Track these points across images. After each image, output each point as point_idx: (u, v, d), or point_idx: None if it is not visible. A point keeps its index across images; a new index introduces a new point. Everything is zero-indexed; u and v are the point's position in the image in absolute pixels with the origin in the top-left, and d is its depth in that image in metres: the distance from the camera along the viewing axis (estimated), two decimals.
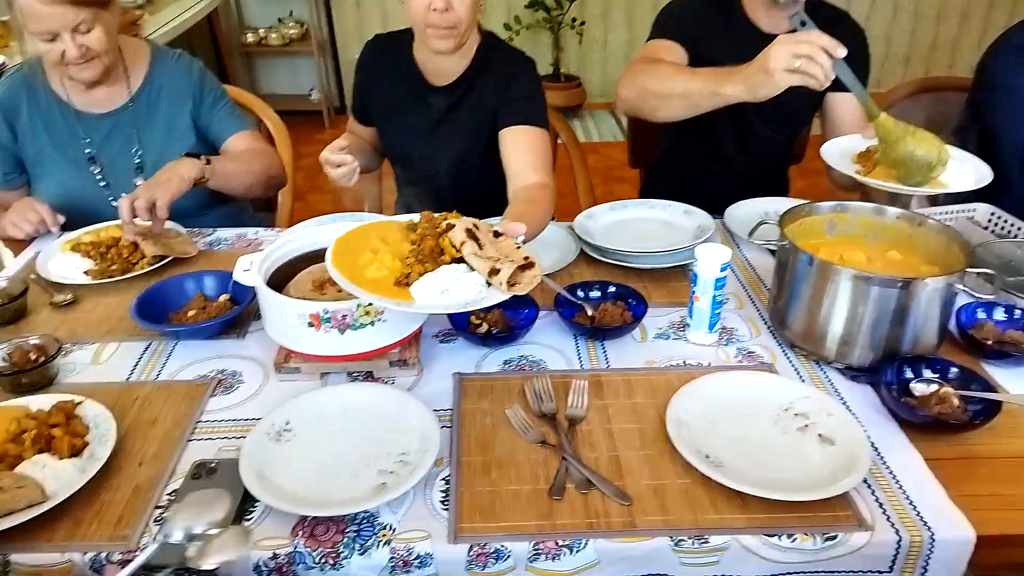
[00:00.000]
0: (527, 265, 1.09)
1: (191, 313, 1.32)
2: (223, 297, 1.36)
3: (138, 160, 1.73)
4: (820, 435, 1.05)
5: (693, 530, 0.93)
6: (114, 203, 1.72)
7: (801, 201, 1.39)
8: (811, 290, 1.17)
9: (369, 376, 1.22)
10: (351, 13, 4.90)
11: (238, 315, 1.32)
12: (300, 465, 1.01)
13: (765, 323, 1.34)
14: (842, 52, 1.27)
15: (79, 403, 1.11)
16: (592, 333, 1.28)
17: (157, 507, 0.97)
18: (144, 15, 3.46)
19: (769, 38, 1.35)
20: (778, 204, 1.69)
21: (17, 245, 1.62)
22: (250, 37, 4.79)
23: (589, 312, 1.26)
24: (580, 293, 1.34)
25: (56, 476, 0.99)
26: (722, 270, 1.21)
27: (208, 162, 1.61)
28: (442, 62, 1.65)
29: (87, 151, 1.71)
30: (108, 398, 1.15)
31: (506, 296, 1.05)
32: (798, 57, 1.27)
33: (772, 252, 1.50)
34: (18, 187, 1.75)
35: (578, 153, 2.13)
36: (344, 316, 1.11)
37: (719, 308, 1.25)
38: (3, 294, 1.38)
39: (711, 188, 1.76)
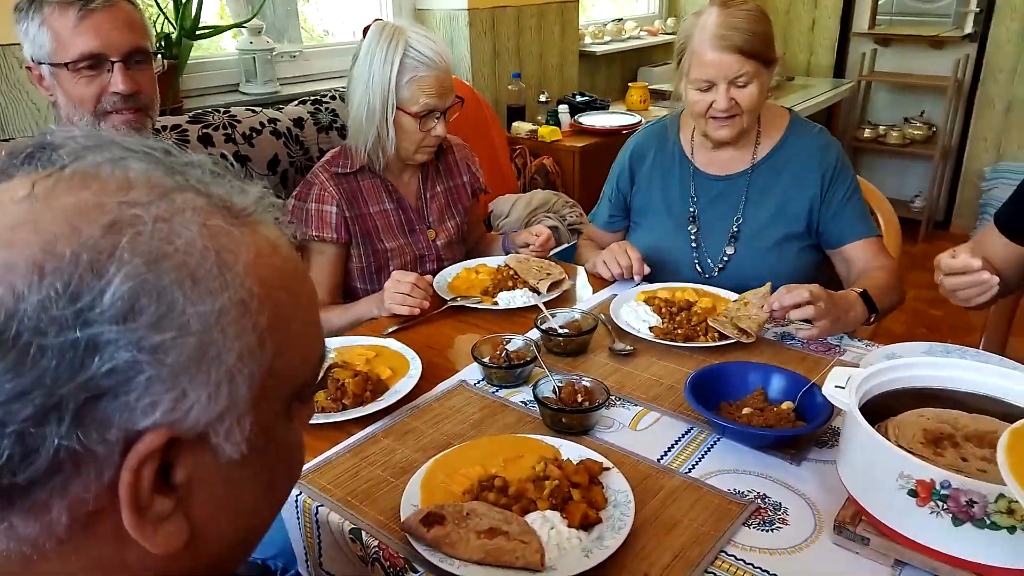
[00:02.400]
0: None
1: (746, 411, 1.10)
2: (787, 405, 1.11)
3: (735, 229, 1.61)
4: None
5: None
6: (699, 267, 1.64)
7: None
8: None
9: None
10: (997, 122, 4.18)
11: (798, 436, 1.05)
12: None
13: None
14: None
15: (607, 469, 0.99)
16: None
17: None
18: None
19: None
20: None
21: (600, 283, 1.66)
22: (867, 132, 4.49)
23: None
24: None
25: (559, 546, 0.87)
26: None
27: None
28: None
29: (691, 210, 1.66)
30: (635, 475, 1.01)
31: None
32: None
33: None
34: (615, 232, 1.81)
35: None
36: (972, 503, 0.74)
37: None
38: (574, 325, 1.38)
39: None
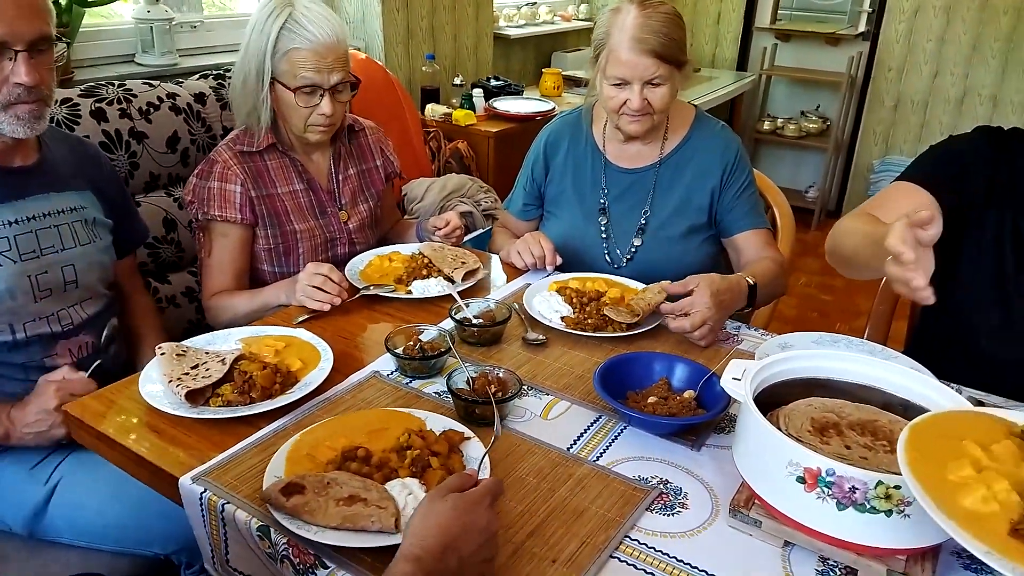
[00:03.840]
0: None
1: (651, 400, 1.15)
2: (688, 393, 1.16)
3: (643, 222, 1.66)
4: None
5: None
6: (608, 258, 1.68)
7: None
8: None
9: (851, 573, 0.88)
10: (886, 116, 4.45)
11: (699, 423, 1.10)
12: None
13: None
14: None
15: (468, 438, 1.04)
16: None
17: None
18: None
19: None
20: None
21: (514, 272, 1.67)
22: (767, 125, 4.69)
23: None
24: None
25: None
26: None
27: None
28: None
29: (601, 201, 1.70)
30: (546, 463, 1.04)
31: None
32: None
33: None
34: (529, 220, 1.84)
35: None
36: (855, 489, 0.80)
37: None
38: (488, 315, 1.39)
39: None
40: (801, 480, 0.84)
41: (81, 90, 1.79)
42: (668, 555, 0.90)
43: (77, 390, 1.25)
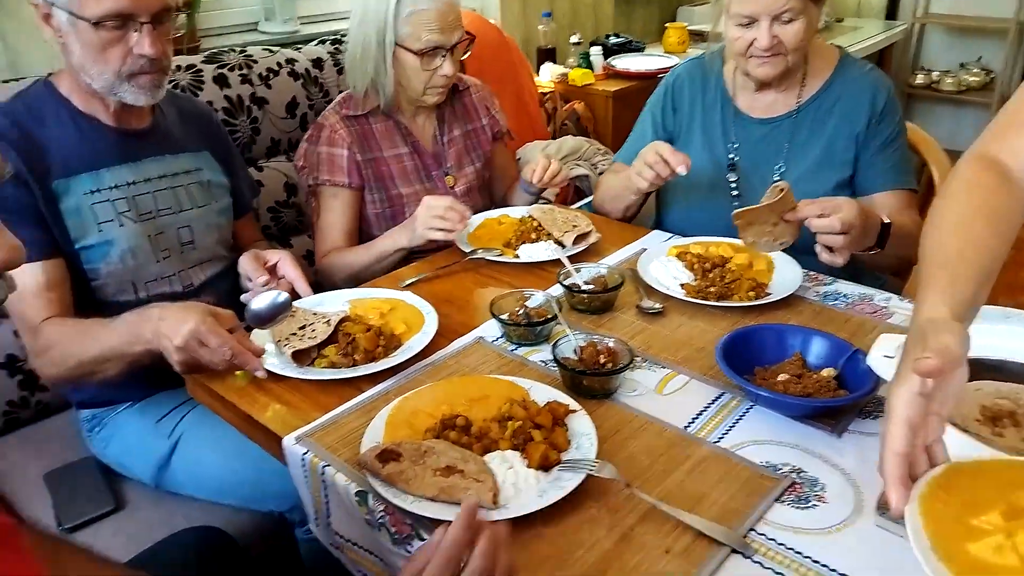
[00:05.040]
0: None
1: (782, 377, 1.02)
2: (827, 371, 1.03)
3: (776, 178, 1.50)
4: None
5: None
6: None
7: None
8: None
9: None
10: None
11: (840, 406, 0.97)
12: None
13: None
14: None
15: (573, 411, 0.97)
16: None
17: None
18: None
19: None
20: None
21: (627, 234, 1.56)
22: (920, 79, 4.25)
23: None
24: None
25: (516, 485, 0.86)
26: None
27: None
28: None
29: (731, 156, 1.55)
30: (660, 443, 0.95)
31: None
32: None
33: None
34: None
35: None
36: None
37: None
38: (599, 281, 1.30)
39: None
40: None
41: (204, 57, 1.83)
42: (801, 554, 0.79)
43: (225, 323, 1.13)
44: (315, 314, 1.23)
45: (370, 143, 1.61)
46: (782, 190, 1.22)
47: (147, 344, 1.14)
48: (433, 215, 1.40)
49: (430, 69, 1.53)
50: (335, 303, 1.29)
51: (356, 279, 1.51)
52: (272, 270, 1.32)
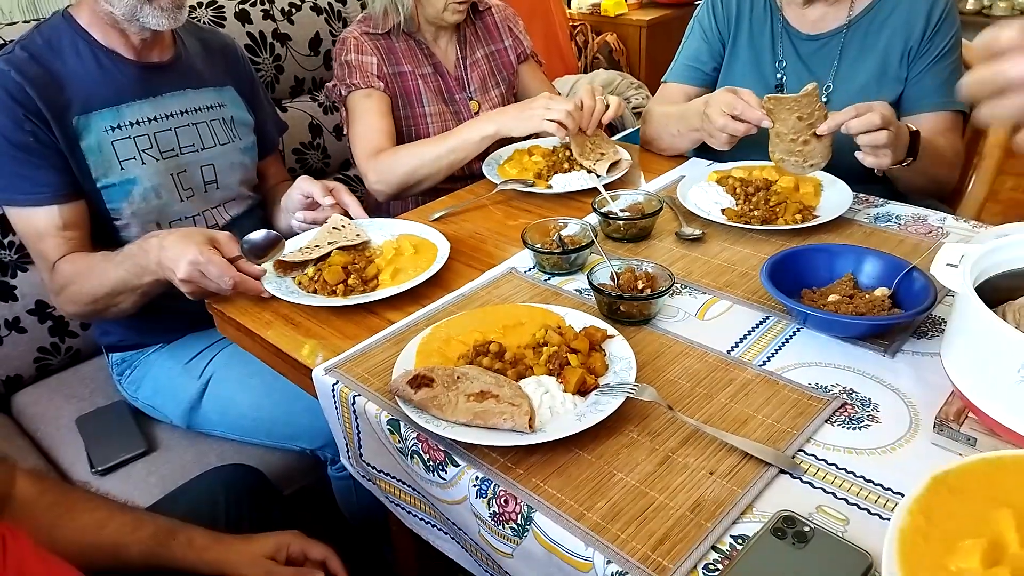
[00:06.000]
0: None
1: (832, 298, 0.96)
2: (881, 291, 0.97)
3: (824, 99, 1.41)
4: None
5: None
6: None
7: None
8: None
9: None
10: None
11: (896, 324, 0.91)
12: None
13: None
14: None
15: (610, 336, 0.93)
16: None
17: (713, 548, 0.67)
18: None
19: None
20: None
21: (669, 162, 1.49)
22: (971, 3, 4.02)
23: None
24: None
25: (552, 409, 0.83)
26: None
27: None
28: None
29: (778, 75, 1.46)
30: (702, 367, 0.91)
31: None
32: None
33: None
34: (703, 86, 1.56)
35: None
36: None
37: None
38: (636, 208, 1.25)
39: None
40: None
41: None
42: (854, 474, 0.74)
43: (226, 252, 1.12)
44: (346, 232, 1.21)
45: (395, 56, 1.56)
46: (810, 92, 1.16)
47: (153, 274, 1.15)
48: (560, 105, 1.34)
49: None
50: (382, 229, 1.26)
51: (422, 177, 1.44)
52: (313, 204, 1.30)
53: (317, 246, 1.18)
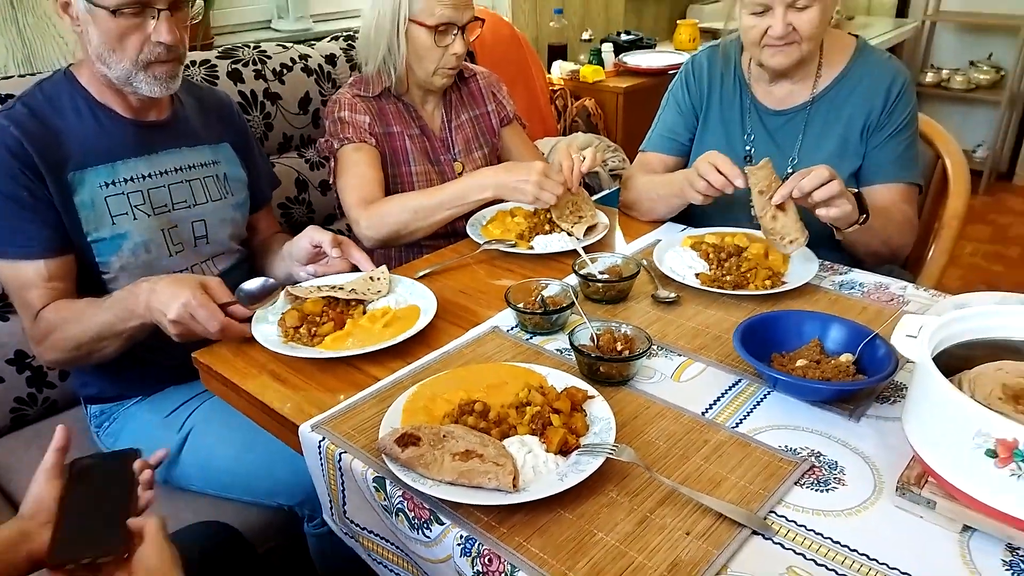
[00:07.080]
0: None
1: (800, 363, 1.01)
2: (846, 357, 1.02)
3: (789, 170, 1.49)
4: None
5: None
6: (753, 212, 1.52)
7: None
8: None
9: None
10: None
11: (860, 389, 0.96)
12: None
13: None
14: None
15: (591, 397, 0.97)
16: None
17: None
18: None
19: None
20: None
21: (643, 228, 1.56)
22: (930, 77, 4.23)
23: None
24: None
25: (535, 468, 0.86)
26: None
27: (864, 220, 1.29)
28: None
29: (747, 148, 1.54)
30: (678, 428, 0.95)
31: None
32: None
33: None
34: (679, 155, 1.63)
35: None
36: None
37: None
38: (614, 271, 1.30)
39: None
40: (991, 454, 0.70)
41: (219, 52, 1.84)
42: (822, 535, 0.78)
43: (216, 296, 1.15)
44: (352, 288, 1.26)
45: (385, 118, 1.63)
46: (763, 165, 1.26)
47: (140, 318, 1.17)
48: (552, 187, 1.42)
49: (442, 46, 1.54)
50: (403, 289, 1.30)
51: (414, 228, 1.50)
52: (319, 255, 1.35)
53: (340, 287, 1.25)
